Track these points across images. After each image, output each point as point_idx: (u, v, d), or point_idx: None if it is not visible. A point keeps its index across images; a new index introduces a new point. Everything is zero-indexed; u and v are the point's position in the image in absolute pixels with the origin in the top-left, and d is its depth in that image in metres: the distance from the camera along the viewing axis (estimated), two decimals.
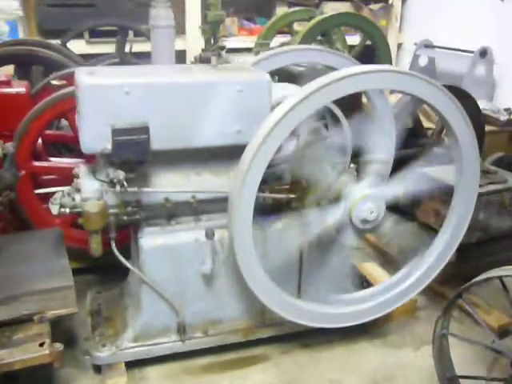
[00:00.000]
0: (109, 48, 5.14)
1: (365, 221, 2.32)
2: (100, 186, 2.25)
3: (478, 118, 3.85)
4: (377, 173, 2.35)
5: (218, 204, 2.44)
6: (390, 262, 3.13)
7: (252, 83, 2.26)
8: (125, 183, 2.12)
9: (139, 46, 4.60)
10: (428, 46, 6.10)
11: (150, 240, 2.35)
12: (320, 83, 2.05)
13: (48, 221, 2.93)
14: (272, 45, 5.30)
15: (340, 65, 2.81)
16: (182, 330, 2.47)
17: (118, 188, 2.13)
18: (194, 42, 5.53)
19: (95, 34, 5.24)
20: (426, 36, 6.05)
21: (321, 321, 2.50)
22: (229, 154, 2.41)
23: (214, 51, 4.56)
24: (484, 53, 5.38)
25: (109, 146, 2.07)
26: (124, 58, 3.84)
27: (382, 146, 2.41)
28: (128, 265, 2.33)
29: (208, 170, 2.41)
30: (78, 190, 2.26)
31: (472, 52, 5.46)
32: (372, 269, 2.95)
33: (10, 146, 2.25)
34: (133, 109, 2.12)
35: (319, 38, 4.64)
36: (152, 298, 2.41)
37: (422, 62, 6.17)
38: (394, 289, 2.62)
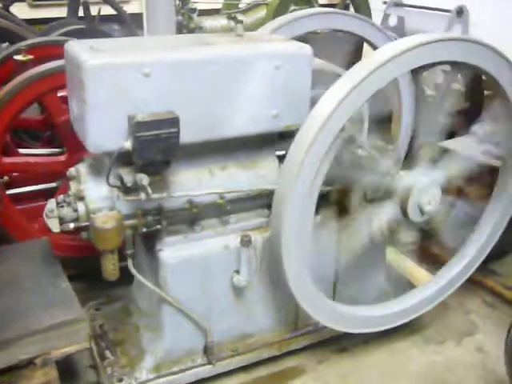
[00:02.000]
0: (55, 12, 4.48)
1: (422, 212, 2.02)
2: (109, 191, 1.80)
3: (478, 82, 3.65)
4: (428, 158, 2.04)
5: (250, 202, 2.05)
6: (425, 258, 2.87)
7: (292, 57, 1.85)
8: (149, 190, 1.68)
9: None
10: (398, 4, 5.81)
11: (173, 252, 1.93)
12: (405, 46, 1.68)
13: (24, 227, 2.43)
14: (241, 6, 4.84)
15: (366, 33, 2.45)
16: (210, 351, 2.10)
17: (142, 196, 1.69)
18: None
19: None
20: None
21: (371, 325, 2.23)
22: (258, 143, 2.01)
23: (184, 14, 4.07)
24: (460, 12, 5.16)
25: (127, 145, 1.61)
26: (91, 24, 3.25)
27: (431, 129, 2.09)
28: (149, 285, 1.91)
29: (235, 163, 2.00)
30: (81, 198, 1.79)
31: (445, 11, 5.23)
32: (409, 266, 2.67)
33: None
34: (154, 94, 1.67)
35: None
36: (176, 319, 2.01)
37: (392, 21, 5.88)
38: (437, 284, 2.37)
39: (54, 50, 2.64)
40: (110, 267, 1.75)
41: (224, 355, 2.16)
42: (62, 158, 2.39)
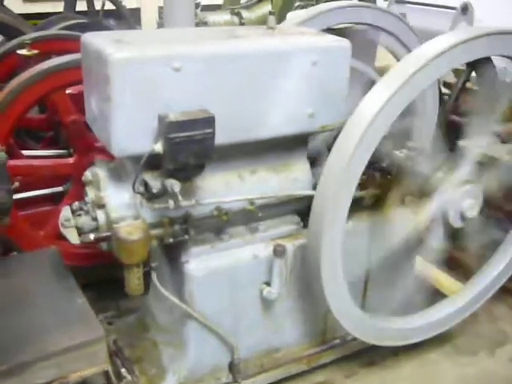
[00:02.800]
0: (50, 6, 4.28)
1: (462, 217, 1.89)
2: (132, 198, 1.64)
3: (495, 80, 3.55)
4: (475, 161, 1.91)
5: (280, 208, 1.91)
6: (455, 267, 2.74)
7: (329, 52, 1.70)
8: (180, 197, 1.52)
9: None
10: (400, 1, 5.70)
11: (200, 264, 1.77)
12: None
13: (29, 235, 2.25)
14: (243, 1, 4.68)
15: (396, 29, 2.32)
16: (236, 368, 1.95)
17: (171, 203, 1.53)
18: None
19: None
20: None
21: (404, 338, 2.10)
22: (289, 145, 1.87)
23: None
24: (465, 9, 5.06)
25: (157, 147, 1.45)
26: (95, 19, 3.06)
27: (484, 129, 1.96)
28: (174, 299, 1.75)
29: (265, 166, 1.85)
30: (101, 206, 1.63)
31: (450, 8, 5.13)
32: (438, 275, 2.54)
33: (2, 154, 1.56)
34: (185, 91, 1.51)
35: None
36: (201, 335, 1.86)
37: None
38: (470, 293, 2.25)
39: (61, 45, 2.48)
40: (135, 282, 1.59)
41: (250, 372, 2.01)
42: (71, 160, 2.22)
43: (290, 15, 2.88)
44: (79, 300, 1.76)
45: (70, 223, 1.63)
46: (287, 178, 1.88)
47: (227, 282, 1.83)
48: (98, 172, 1.69)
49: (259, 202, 1.80)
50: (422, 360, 2.31)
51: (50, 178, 2.27)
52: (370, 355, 2.27)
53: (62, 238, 2.31)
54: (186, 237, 1.69)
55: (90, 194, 1.69)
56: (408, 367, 2.27)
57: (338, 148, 1.60)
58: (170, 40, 1.60)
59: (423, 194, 1.88)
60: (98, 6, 3.79)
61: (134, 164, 1.63)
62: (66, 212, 1.68)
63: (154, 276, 1.69)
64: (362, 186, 1.90)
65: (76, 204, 1.72)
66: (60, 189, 2.35)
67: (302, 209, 1.96)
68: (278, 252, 1.78)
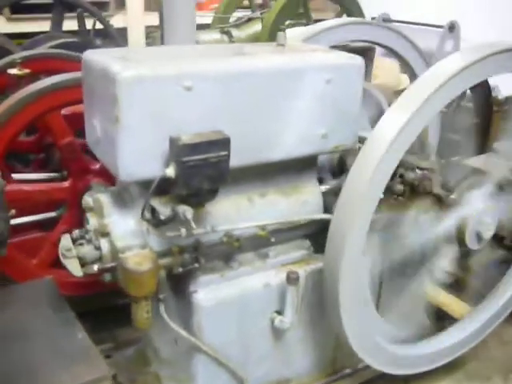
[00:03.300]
0: (36, 26, 4.17)
1: (478, 238, 1.83)
2: (138, 225, 1.54)
3: (489, 98, 3.55)
4: (499, 182, 1.86)
5: (291, 233, 1.82)
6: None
7: (343, 70, 1.64)
8: (193, 224, 1.42)
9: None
10: (386, 20, 5.73)
11: (209, 293, 1.67)
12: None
13: (20, 264, 2.12)
14: (231, 20, 4.64)
15: (402, 50, 2.29)
16: None
17: (183, 231, 1.43)
18: (136, 17, 4.70)
19: (18, 9, 4.20)
20: (385, 10, 5.66)
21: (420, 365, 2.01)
22: (299, 166, 1.79)
23: None
24: (452, 27, 5.10)
25: (169, 171, 1.36)
26: (85, 38, 2.97)
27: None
28: (182, 332, 1.64)
29: (274, 189, 1.77)
30: (105, 234, 1.52)
31: (436, 26, 5.17)
32: (445, 297, 2.46)
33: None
34: (196, 111, 1.42)
35: None
36: (210, 368, 1.74)
37: None
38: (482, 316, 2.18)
39: (53, 64, 2.38)
40: (144, 316, 1.48)
41: None
42: (66, 183, 2.10)
43: (289, 32, 2.83)
44: (80, 335, 1.64)
45: (72, 253, 1.51)
46: (297, 201, 1.80)
47: (237, 311, 1.73)
48: (100, 197, 1.58)
49: (270, 227, 1.71)
50: None
51: (43, 203, 2.14)
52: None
53: (55, 266, 2.21)
54: (196, 265, 1.58)
55: (92, 221, 1.58)
56: None
57: (356, 172, 1.52)
58: (178, 57, 1.52)
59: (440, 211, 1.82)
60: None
61: (140, 189, 1.54)
62: (65, 241, 1.57)
63: (161, 308, 1.58)
64: None
65: (76, 232, 1.61)
66: (52, 214, 2.23)
67: (311, 233, 1.88)
68: (292, 280, 1.69)
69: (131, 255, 1.45)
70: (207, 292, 1.67)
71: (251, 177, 1.70)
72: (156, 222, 1.52)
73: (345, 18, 2.23)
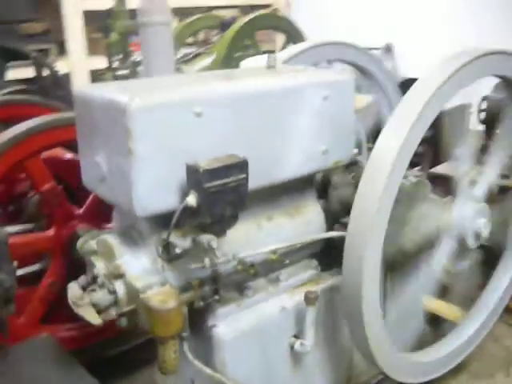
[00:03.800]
0: None
1: (477, 237, 1.87)
2: (152, 262, 1.46)
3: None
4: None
5: (299, 254, 1.80)
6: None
7: (338, 86, 1.66)
8: (217, 253, 1.37)
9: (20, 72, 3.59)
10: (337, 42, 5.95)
11: (228, 326, 1.60)
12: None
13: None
14: (178, 56, 4.65)
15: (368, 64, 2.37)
16: None
17: (207, 262, 1.37)
18: (79, 62, 4.61)
19: None
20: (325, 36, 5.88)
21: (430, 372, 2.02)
22: (300, 185, 1.78)
23: (126, 67, 3.79)
24: (388, 49, 5.36)
25: (190, 200, 1.30)
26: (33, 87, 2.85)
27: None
28: (208, 371, 1.55)
29: (280, 212, 1.74)
30: (119, 276, 1.43)
31: (373, 48, 5.41)
32: (438, 304, 2.50)
33: (2, 231, 1.33)
34: (209, 137, 1.39)
35: None
36: None
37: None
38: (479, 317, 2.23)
39: (17, 111, 2.27)
40: (172, 356, 1.39)
41: None
42: (51, 232, 1.97)
43: (244, 63, 2.86)
44: None
45: (84, 301, 1.41)
46: (303, 222, 1.78)
47: (257, 340, 1.67)
48: (106, 239, 1.50)
49: (281, 250, 1.68)
50: None
51: (26, 256, 2.00)
52: None
53: (44, 322, 2.06)
54: (217, 298, 1.52)
55: (99, 264, 1.49)
56: None
57: (366, 187, 1.53)
58: (181, 85, 1.48)
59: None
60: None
61: (150, 224, 1.47)
62: (73, 290, 1.47)
63: (185, 347, 1.50)
64: None
65: (82, 279, 1.51)
66: (35, 267, 2.09)
67: (315, 252, 1.87)
68: (311, 300, 1.65)
69: (153, 294, 1.37)
70: (227, 325, 1.60)
71: (259, 200, 1.66)
72: (170, 257, 1.45)
73: (326, 40, 2.27)
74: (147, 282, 1.41)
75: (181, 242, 1.41)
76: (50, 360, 1.63)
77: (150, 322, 1.36)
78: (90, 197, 2.07)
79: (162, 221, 1.47)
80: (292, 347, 1.74)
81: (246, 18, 4.06)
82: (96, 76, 4.28)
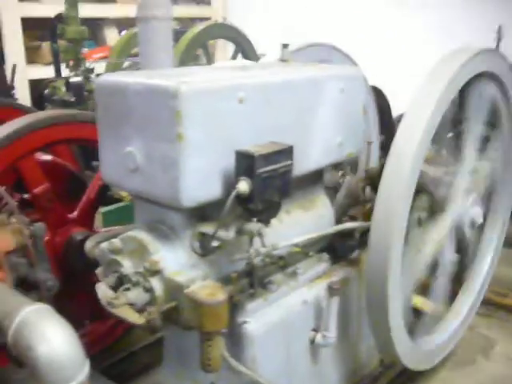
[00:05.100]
0: None
1: (473, 225, 1.98)
2: (189, 256, 1.41)
3: (390, 115, 3.90)
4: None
5: (315, 247, 1.80)
6: None
7: (352, 80, 1.70)
8: (264, 243, 1.34)
9: None
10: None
11: (259, 322, 1.56)
12: None
13: None
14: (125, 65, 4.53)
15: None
16: None
17: (252, 252, 1.34)
18: (18, 71, 4.34)
19: None
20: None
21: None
22: (311, 179, 1.80)
23: (79, 74, 3.64)
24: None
25: (243, 186, 1.27)
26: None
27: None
28: (243, 369, 1.49)
29: (295, 205, 1.75)
30: (156, 273, 1.36)
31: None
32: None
33: (41, 225, 1.22)
34: (249, 123, 1.37)
35: None
36: None
37: None
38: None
39: None
40: (218, 354, 1.33)
41: None
42: (46, 237, 1.82)
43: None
44: None
45: (121, 301, 1.31)
46: (316, 215, 1.80)
47: (283, 335, 1.64)
48: (137, 235, 1.42)
49: (301, 244, 1.68)
50: (437, 380, 2.32)
51: None
52: None
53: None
54: (252, 291, 1.49)
55: (127, 263, 1.41)
56: None
57: (390, 177, 1.56)
58: (220, 72, 1.45)
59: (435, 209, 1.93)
60: None
61: (184, 217, 1.41)
62: (103, 291, 1.37)
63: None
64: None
65: (110, 280, 1.41)
66: None
67: (330, 246, 1.88)
68: (335, 290, 1.66)
69: (199, 288, 1.31)
70: (256, 320, 1.56)
71: None
72: (207, 251, 1.40)
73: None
74: (189, 277, 1.35)
75: (224, 234, 1.36)
76: None
77: (198, 317, 1.29)
78: (83, 200, 1.96)
79: (196, 213, 1.42)
80: (312, 341, 1.73)
81: (198, 28, 4.06)
82: (39, 85, 4.05)
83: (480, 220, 1.99)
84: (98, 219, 2.45)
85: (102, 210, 2.65)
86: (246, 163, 1.27)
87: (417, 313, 2.40)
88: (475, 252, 2.38)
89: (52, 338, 1.07)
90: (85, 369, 1.10)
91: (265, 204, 1.30)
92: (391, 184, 1.55)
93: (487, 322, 2.73)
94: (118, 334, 2.16)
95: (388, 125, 3.69)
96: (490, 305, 2.80)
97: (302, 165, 1.59)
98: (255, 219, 1.34)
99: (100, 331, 2.06)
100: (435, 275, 1.99)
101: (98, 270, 1.49)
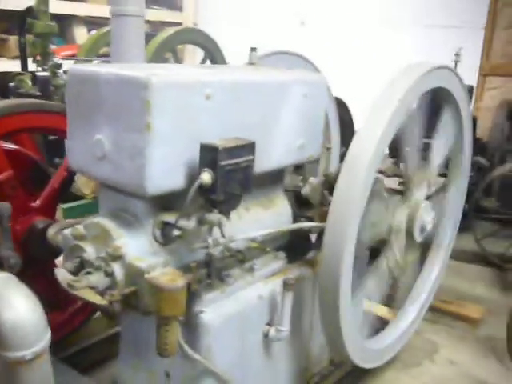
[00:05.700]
0: None
1: (422, 230, 2.09)
2: (151, 244, 1.45)
3: (352, 128, 4.02)
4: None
5: (272, 244, 1.87)
6: None
7: (315, 85, 1.79)
8: (224, 233, 1.40)
9: None
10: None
11: (215, 312, 1.61)
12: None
13: None
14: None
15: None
16: None
17: (211, 242, 1.40)
18: None
19: None
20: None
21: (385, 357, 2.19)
22: (271, 178, 1.87)
23: (47, 69, 3.62)
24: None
25: (206, 177, 1.33)
26: None
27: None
28: (198, 357, 1.54)
29: (255, 203, 1.82)
30: (117, 258, 1.40)
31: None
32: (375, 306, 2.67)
33: (6, 204, 1.24)
34: (215, 119, 1.44)
35: None
36: None
37: None
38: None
39: None
40: (175, 339, 1.38)
41: None
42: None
43: None
44: None
45: (82, 284, 1.35)
46: (275, 213, 1.87)
47: (238, 328, 1.69)
48: (100, 222, 1.45)
49: (258, 240, 1.75)
50: (384, 380, 2.42)
51: None
52: None
53: None
54: (209, 281, 1.54)
55: (90, 248, 1.44)
56: None
57: (344, 181, 1.65)
58: (189, 69, 1.52)
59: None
60: None
61: (147, 206, 1.46)
62: (63, 274, 1.40)
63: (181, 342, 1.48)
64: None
65: (69, 264, 1.44)
66: None
67: (287, 244, 1.96)
68: (290, 286, 1.72)
69: (159, 274, 1.36)
70: (213, 310, 1.61)
71: None
72: (168, 239, 1.45)
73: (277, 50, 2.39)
74: (150, 263, 1.39)
75: (185, 223, 1.41)
76: None
77: (157, 301, 1.34)
78: (46, 189, 1.97)
79: (160, 203, 1.47)
80: (266, 335, 1.79)
81: (168, 32, 4.11)
82: (4, 77, 4.00)
83: (430, 227, 2.10)
84: (59, 215, 2.45)
85: (64, 206, 2.65)
86: (209, 155, 1.33)
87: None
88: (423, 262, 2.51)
89: (17, 305, 1.11)
90: (47, 336, 1.14)
91: (226, 196, 1.36)
92: (345, 187, 1.64)
93: (433, 328, 2.87)
94: (75, 326, 2.16)
95: (350, 137, 3.82)
96: (436, 311, 2.94)
97: (264, 163, 1.67)
98: (216, 210, 1.40)
99: (57, 321, 2.06)
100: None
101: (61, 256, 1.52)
